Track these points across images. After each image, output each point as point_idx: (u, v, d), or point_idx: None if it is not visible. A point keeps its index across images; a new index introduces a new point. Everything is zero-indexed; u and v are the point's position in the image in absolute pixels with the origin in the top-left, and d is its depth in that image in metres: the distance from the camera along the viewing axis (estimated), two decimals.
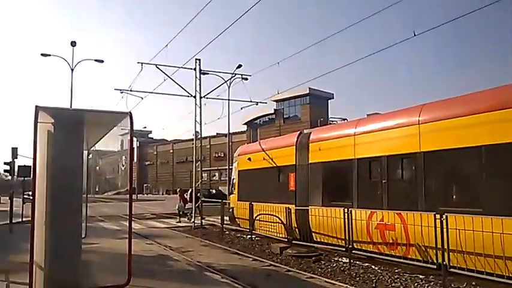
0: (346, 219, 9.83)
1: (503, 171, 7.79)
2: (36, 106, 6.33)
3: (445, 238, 7.65)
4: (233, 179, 18.20)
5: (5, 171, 20.99)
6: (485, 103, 8.16)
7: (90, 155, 12.18)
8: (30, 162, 6.76)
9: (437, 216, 7.78)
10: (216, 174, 72.14)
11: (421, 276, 8.29)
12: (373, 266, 9.29)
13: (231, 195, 18.00)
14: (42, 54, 27.60)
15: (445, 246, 7.68)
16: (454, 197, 8.73)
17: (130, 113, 7.12)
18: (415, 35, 11.74)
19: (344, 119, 17.34)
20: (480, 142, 7.98)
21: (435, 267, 8.04)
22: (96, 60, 29.28)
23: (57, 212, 6.09)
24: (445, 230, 7.65)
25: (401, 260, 8.92)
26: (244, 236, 14.73)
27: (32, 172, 6.15)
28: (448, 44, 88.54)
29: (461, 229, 7.56)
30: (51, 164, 6.35)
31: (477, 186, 8.27)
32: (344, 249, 10.17)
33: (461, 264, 7.69)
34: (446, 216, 7.67)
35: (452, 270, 7.67)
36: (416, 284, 7.94)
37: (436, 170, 9.02)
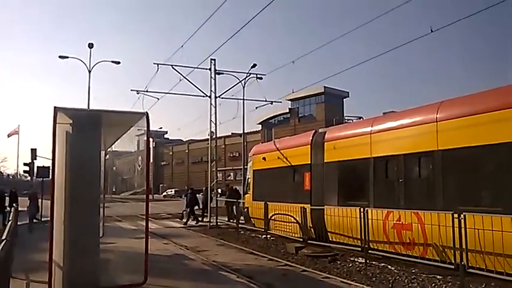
0: (362, 219, 9.76)
1: None
2: (55, 107, 6.45)
3: (463, 238, 7.53)
4: (248, 178, 18.22)
5: (25, 172, 21.39)
6: (505, 99, 8.01)
7: (108, 156, 12.34)
8: (49, 163, 6.89)
9: (455, 215, 7.66)
10: (231, 174, 72.24)
11: (438, 277, 8.17)
12: (389, 266, 9.20)
13: (246, 195, 18.02)
14: (60, 57, 28.08)
15: (464, 246, 7.56)
16: (473, 196, 8.56)
17: (146, 113, 7.21)
18: (432, 31, 11.57)
19: (360, 118, 17.17)
20: (499, 140, 7.83)
21: (453, 267, 7.91)
22: (112, 62, 29.67)
23: (75, 211, 6.19)
24: (463, 229, 7.53)
25: (419, 260, 8.79)
26: (260, 236, 14.74)
27: (50, 172, 6.27)
28: (465, 40, 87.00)
29: (480, 229, 7.43)
30: (70, 165, 6.45)
31: (496, 185, 8.11)
32: (360, 249, 10.10)
33: (480, 265, 7.56)
34: (465, 216, 7.54)
35: (470, 270, 7.54)
36: (433, 285, 7.83)
37: (454, 168, 8.88)
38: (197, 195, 22.23)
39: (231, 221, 18.93)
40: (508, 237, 7.07)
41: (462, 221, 7.55)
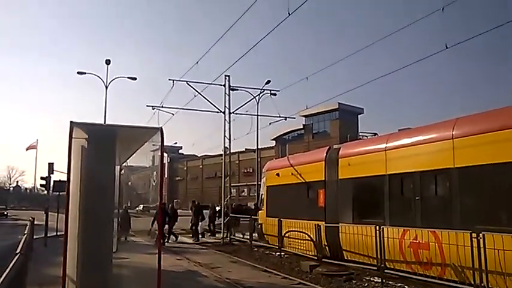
0: (378, 237, 9.58)
1: None
2: (71, 122, 6.54)
3: (483, 258, 7.33)
4: (261, 194, 18.15)
5: (41, 185, 21.67)
6: None
7: (123, 171, 12.43)
8: (65, 177, 6.96)
9: (474, 235, 7.48)
10: (245, 189, 72.13)
11: None
12: (406, 287, 8.99)
13: (260, 211, 17.92)
14: (78, 72, 28.74)
15: (483, 267, 7.36)
16: (492, 214, 8.34)
17: (161, 128, 7.25)
18: (447, 48, 11.48)
19: (374, 134, 17.04)
20: None
21: None
22: (129, 78, 30.17)
23: (89, 226, 6.22)
24: (482, 249, 7.34)
25: (436, 281, 8.57)
26: (273, 253, 14.58)
27: (66, 187, 6.32)
28: (480, 57, 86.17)
29: (500, 249, 7.23)
30: (85, 179, 6.51)
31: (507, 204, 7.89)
32: (376, 268, 9.89)
33: (500, 286, 7.34)
34: (484, 235, 7.36)
35: None
36: None
37: (472, 186, 8.72)
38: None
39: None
40: None
41: (481, 240, 7.36)
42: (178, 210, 22.97)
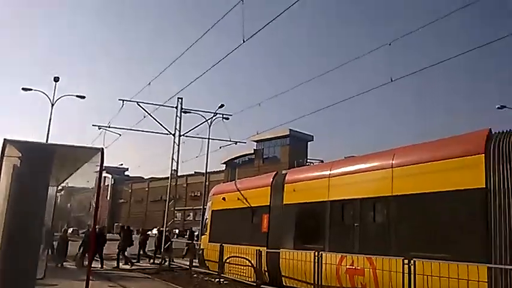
0: (316, 263, 9.73)
1: (471, 216, 7.92)
2: (5, 139, 6.22)
3: (412, 284, 7.64)
4: (206, 219, 17.92)
5: None
6: (453, 149, 8.46)
7: (62, 192, 11.87)
8: None
9: (406, 261, 7.81)
10: (191, 213, 70.87)
11: None
12: None
13: (203, 236, 17.65)
14: (23, 89, 27.34)
15: None
16: (424, 242, 8.70)
17: (102, 148, 7.05)
18: (392, 81, 12.05)
19: (321, 161, 17.55)
20: (449, 187, 8.16)
21: None
22: (77, 96, 28.93)
23: (11, 250, 5.84)
24: (412, 275, 7.66)
25: None
26: (213, 280, 14.31)
27: None
28: (426, 89, 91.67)
29: (428, 275, 7.59)
30: (12, 200, 6.16)
31: (446, 231, 8.33)
32: None
33: None
34: (415, 262, 7.70)
35: None
36: None
37: (407, 214, 9.10)
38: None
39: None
40: (455, 283, 7.23)
41: (412, 267, 7.70)
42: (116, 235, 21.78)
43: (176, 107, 20.96)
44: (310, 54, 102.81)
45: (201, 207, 31.97)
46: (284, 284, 11.70)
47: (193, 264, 17.00)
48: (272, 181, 13.69)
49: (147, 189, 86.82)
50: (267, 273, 12.56)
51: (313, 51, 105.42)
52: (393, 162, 9.51)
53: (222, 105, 25.83)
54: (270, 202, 13.38)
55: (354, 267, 9.53)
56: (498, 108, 27.85)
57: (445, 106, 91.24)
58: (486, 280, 7.12)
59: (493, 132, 8.18)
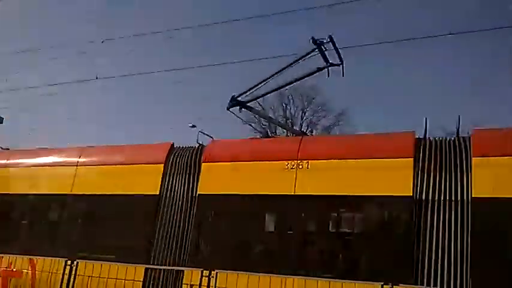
0: None
1: (139, 219, 8.41)
2: None
3: (71, 285, 7.53)
4: None
5: None
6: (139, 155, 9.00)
7: None
8: None
9: (69, 262, 7.63)
10: None
11: None
12: None
13: None
14: None
15: None
16: (92, 243, 8.66)
17: None
18: None
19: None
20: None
21: None
22: None
23: None
24: (72, 276, 7.53)
25: None
26: None
27: None
28: None
29: (90, 276, 7.62)
30: None
31: (110, 233, 8.60)
32: None
33: None
34: (77, 263, 7.60)
35: None
36: None
37: (77, 213, 9.03)
38: None
39: None
40: (119, 284, 7.46)
41: (74, 268, 7.55)
42: None
43: None
44: None
45: None
46: None
47: None
48: None
49: None
50: None
51: None
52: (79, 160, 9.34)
53: None
54: None
55: (11, 269, 8.52)
56: None
57: None
58: (142, 279, 7.67)
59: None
